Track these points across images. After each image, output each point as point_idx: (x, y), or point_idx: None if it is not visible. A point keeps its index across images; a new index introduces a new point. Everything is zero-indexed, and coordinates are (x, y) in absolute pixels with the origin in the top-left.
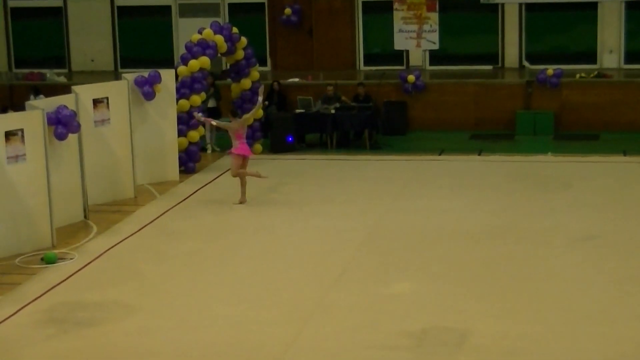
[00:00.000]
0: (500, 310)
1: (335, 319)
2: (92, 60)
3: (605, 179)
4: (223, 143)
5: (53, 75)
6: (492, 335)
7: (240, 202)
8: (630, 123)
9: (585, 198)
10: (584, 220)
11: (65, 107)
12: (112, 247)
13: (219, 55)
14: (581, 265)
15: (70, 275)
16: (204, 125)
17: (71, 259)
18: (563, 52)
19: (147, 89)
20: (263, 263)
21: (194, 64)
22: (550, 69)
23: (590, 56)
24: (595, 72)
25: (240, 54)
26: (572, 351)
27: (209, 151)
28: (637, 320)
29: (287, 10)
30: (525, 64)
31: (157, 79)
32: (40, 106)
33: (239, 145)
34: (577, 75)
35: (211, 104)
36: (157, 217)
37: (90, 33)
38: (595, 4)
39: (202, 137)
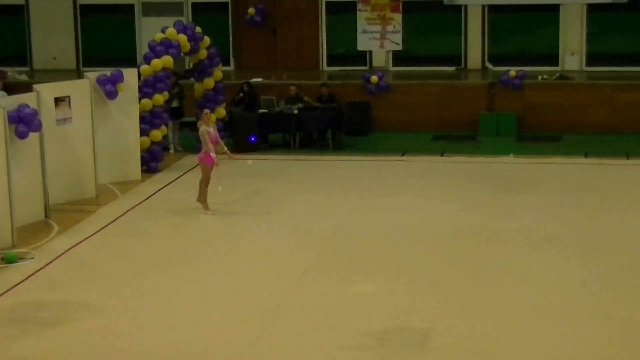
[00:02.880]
0: (463, 310)
1: (298, 319)
2: (54, 59)
3: (567, 181)
4: (186, 143)
5: (14, 73)
6: (456, 335)
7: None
8: (591, 125)
9: (547, 199)
10: (546, 221)
11: (27, 105)
12: (74, 246)
13: (182, 54)
14: (544, 265)
15: (31, 275)
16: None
17: (32, 258)
18: (526, 54)
19: (109, 88)
20: (226, 263)
21: (157, 63)
22: (513, 71)
23: (552, 58)
24: (558, 74)
25: (203, 54)
26: (536, 351)
27: (171, 151)
28: (598, 320)
29: (251, 10)
30: (488, 65)
31: (119, 77)
32: (1, 104)
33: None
34: (540, 77)
35: (175, 103)
36: (119, 217)
37: (53, 31)
38: (558, 6)
39: (165, 137)
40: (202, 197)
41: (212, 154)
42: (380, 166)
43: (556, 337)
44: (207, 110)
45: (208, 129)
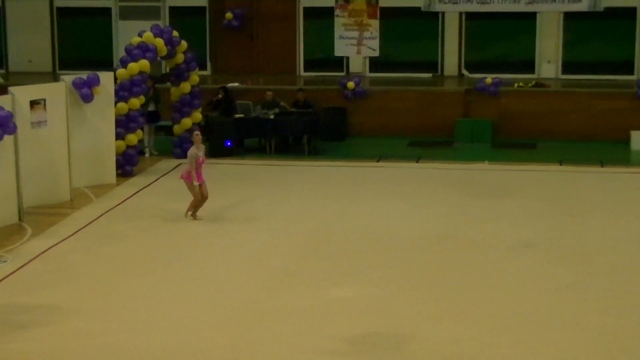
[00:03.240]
0: (440, 316)
1: (277, 323)
2: (30, 61)
3: (542, 187)
4: (161, 147)
5: None
6: (432, 340)
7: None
8: (566, 132)
9: (522, 206)
10: (522, 228)
11: (2, 108)
12: (48, 249)
13: (159, 58)
14: (519, 271)
15: (4, 278)
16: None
17: (4, 261)
18: (502, 61)
19: (85, 91)
20: (203, 267)
21: (134, 67)
22: (489, 78)
23: (528, 66)
24: (534, 82)
25: (180, 58)
26: (512, 356)
27: (147, 155)
28: (574, 327)
29: (229, 15)
30: (465, 72)
31: (95, 81)
32: None
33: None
34: (516, 85)
35: (151, 107)
36: (94, 220)
37: (29, 33)
38: (534, 14)
39: (141, 141)
40: (192, 206)
41: (193, 177)
42: (356, 172)
43: (531, 344)
44: (197, 132)
45: (198, 153)
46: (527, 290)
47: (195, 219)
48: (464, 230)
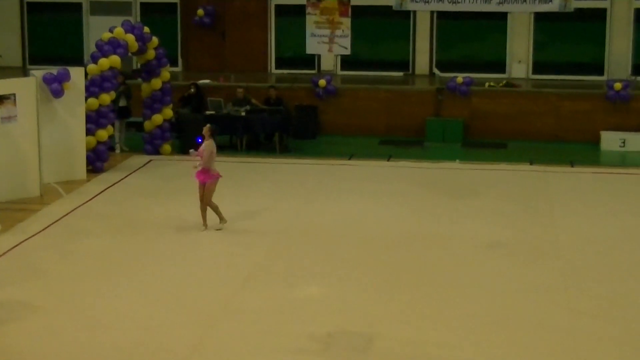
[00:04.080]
0: (408, 316)
1: (242, 322)
2: (0, 56)
3: (512, 187)
4: (131, 143)
5: None
6: (400, 340)
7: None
8: (537, 132)
9: (492, 205)
10: (491, 228)
11: None
12: (16, 245)
13: (130, 54)
14: (488, 271)
15: None
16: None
17: None
18: (473, 61)
19: (55, 87)
20: (171, 265)
21: (104, 62)
22: (460, 77)
23: (499, 66)
24: (504, 82)
25: (151, 54)
26: (478, 357)
27: (118, 151)
28: (542, 328)
29: (200, 12)
30: (436, 71)
31: (66, 76)
32: None
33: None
34: (487, 84)
35: (122, 103)
36: (63, 216)
37: None
38: (506, 14)
39: (111, 137)
40: (206, 213)
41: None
42: (327, 170)
43: (499, 344)
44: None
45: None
46: (495, 291)
47: (206, 228)
48: (434, 229)
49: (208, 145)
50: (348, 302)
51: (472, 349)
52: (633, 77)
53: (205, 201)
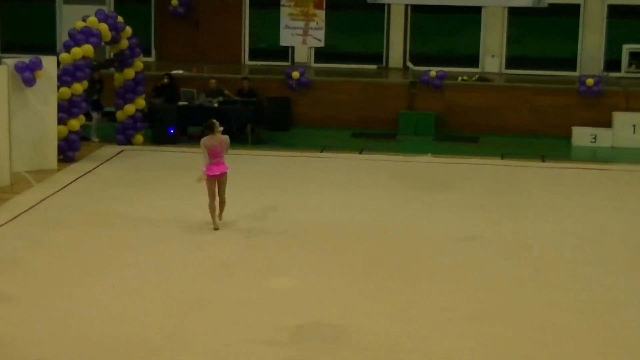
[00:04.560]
0: (380, 308)
1: (214, 313)
2: None
3: (484, 182)
4: (103, 133)
5: None
6: (372, 333)
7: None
8: (509, 127)
9: (464, 199)
10: (463, 221)
11: None
12: None
13: (103, 43)
14: (460, 265)
15: None
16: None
17: None
18: (447, 55)
19: (27, 75)
20: (144, 256)
21: (77, 51)
22: (434, 71)
23: (473, 60)
24: (477, 76)
25: (124, 44)
26: (452, 350)
27: (96, 140)
28: (515, 321)
29: (174, 1)
30: (409, 64)
31: (38, 65)
32: None
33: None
34: (460, 78)
35: (95, 96)
36: (34, 206)
37: None
38: (480, 8)
39: (86, 127)
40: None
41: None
42: (300, 162)
43: (472, 337)
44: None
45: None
46: (467, 284)
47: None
48: (406, 222)
49: (225, 138)
50: (320, 294)
51: (444, 342)
52: (605, 73)
53: (224, 195)
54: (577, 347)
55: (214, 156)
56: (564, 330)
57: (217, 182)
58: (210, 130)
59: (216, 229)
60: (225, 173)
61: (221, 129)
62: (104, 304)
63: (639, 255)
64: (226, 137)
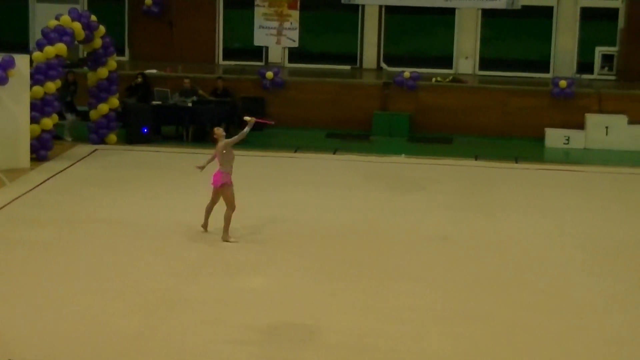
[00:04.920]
0: (351, 308)
1: (186, 312)
2: None
3: (458, 182)
4: (77, 132)
5: None
6: (343, 332)
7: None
8: (482, 128)
9: (437, 200)
10: (436, 222)
11: None
12: None
13: (77, 42)
14: (432, 265)
15: None
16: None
17: None
18: (420, 56)
19: (0, 74)
20: (115, 254)
21: (50, 50)
22: (408, 72)
23: (446, 61)
24: (451, 77)
25: (98, 43)
26: (421, 349)
27: (70, 139)
28: (481, 321)
29: (148, 1)
30: (383, 65)
31: (10, 63)
32: None
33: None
34: (433, 79)
35: (67, 98)
36: (6, 205)
37: None
38: (453, 10)
39: (57, 126)
40: (228, 225)
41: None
42: (273, 162)
43: (441, 337)
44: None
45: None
46: (438, 284)
47: (229, 240)
48: (379, 222)
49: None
50: (293, 294)
51: (414, 341)
52: (578, 75)
53: (232, 205)
54: (544, 348)
55: (218, 163)
56: (532, 331)
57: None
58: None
59: (204, 227)
60: (222, 186)
61: (222, 134)
62: (76, 303)
63: (609, 257)
64: (221, 144)
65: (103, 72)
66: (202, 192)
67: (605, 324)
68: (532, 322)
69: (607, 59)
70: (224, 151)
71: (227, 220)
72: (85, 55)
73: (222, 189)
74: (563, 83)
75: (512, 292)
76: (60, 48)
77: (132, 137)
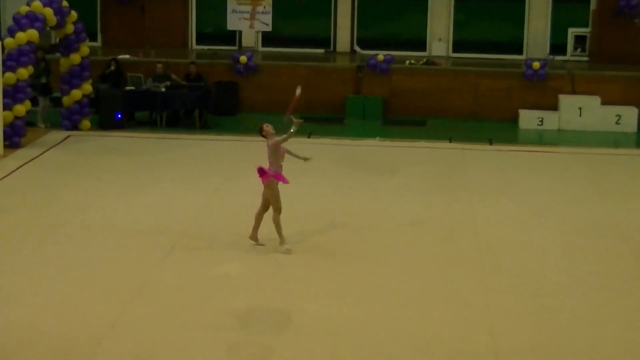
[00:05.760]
0: (325, 292)
1: (160, 299)
2: None
3: (432, 165)
4: (50, 119)
5: None
6: (317, 317)
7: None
8: (456, 110)
9: (411, 183)
10: (410, 205)
11: None
12: None
13: (48, 28)
14: (406, 248)
15: None
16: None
17: None
18: (394, 39)
19: None
20: (89, 241)
21: (22, 36)
22: (381, 55)
23: (420, 44)
24: (425, 60)
25: (70, 28)
26: (394, 333)
27: (42, 126)
28: (456, 304)
29: None
30: (357, 49)
31: None
32: None
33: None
34: (407, 62)
35: (43, 79)
36: None
37: None
38: None
39: (30, 112)
40: (280, 230)
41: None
42: (247, 146)
43: (414, 320)
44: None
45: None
46: (413, 267)
47: (258, 243)
48: (353, 206)
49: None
50: (267, 280)
51: (388, 325)
52: (551, 57)
53: (277, 207)
54: (518, 330)
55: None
56: (506, 313)
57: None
58: (261, 135)
59: (252, 239)
60: (263, 180)
61: (271, 131)
62: (47, 291)
63: (584, 238)
64: (272, 142)
65: (75, 58)
66: (175, 177)
67: (580, 305)
68: (507, 303)
69: (579, 40)
70: (275, 150)
71: (278, 225)
72: (57, 41)
73: (268, 186)
74: (536, 65)
75: (486, 275)
76: (32, 34)
77: (106, 123)
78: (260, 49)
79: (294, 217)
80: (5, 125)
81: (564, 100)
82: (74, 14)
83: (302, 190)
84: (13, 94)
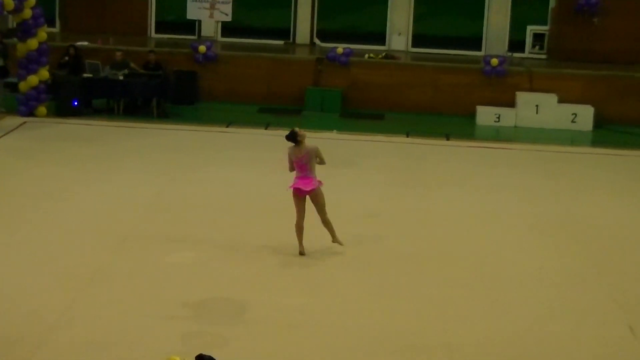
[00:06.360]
0: (279, 283)
1: (114, 287)
2: None
3: (388, 158)
4: (6, 104)
5: None
6: (272, 307)
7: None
8: (414, 105)
9: (368, 176)
10: (366, 198)
11: None
12: None
13: (6, 12)
14: (361, 241)
15: None
16: None
17: None
18: (354, 32)
19: None
20: (43, 229)
21: None
22: (341, 48)
23: (379, 37)
24: (384, 54)
25: (28, 13)
26: (350, 325)
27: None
28: (412, 297)
29: None
30: (316, 41)
31: None
32: None
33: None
34: (366, 55)
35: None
36: None
37: None
38: None
39: None
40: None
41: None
42: (205, 137)
43: (369, 312)
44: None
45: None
46: (369, 260)
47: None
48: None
49: (312, 149)
50: (221, 269)
51: (343, 317)
52: (510, 53)
53: (323, 215)
54: (473, 323)
55: (299, 169)
56: (461, 307)
57: (306, 199)
58: (291, 141)
59: (302, 253)
60: (314, 190)
61: (305, 135)
62: (0, 278)
63: (538, 233)
64: (313, 147)
65: (33, 43)
66: (134, 167)
67: (534, 299)
68: (462, 297)
69: (538, 37)
70: (313, 155)
71: (329, 225)
72: (14, 25)
73: (316, 194)
74: (495, 61)
75: (441, 268)
76: None
77: (62, 109)
78: (220, 39)
79: (249, 208)
80: None
81: (522, 97)
82: None
83: (258, 181)
84: None
